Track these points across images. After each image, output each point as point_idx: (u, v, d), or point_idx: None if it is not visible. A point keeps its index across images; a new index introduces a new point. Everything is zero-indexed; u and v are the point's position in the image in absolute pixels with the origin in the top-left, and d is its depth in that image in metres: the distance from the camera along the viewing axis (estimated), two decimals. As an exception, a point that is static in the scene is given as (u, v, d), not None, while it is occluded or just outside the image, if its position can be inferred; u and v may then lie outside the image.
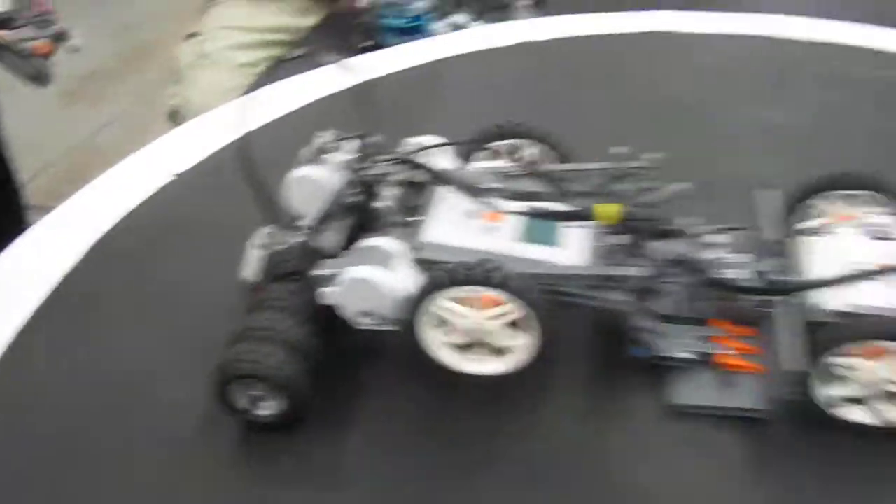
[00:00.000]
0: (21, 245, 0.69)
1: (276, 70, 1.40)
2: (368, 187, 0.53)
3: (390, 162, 0.54)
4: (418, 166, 0.54)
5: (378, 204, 0.52)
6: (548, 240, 0.52)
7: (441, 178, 0.54)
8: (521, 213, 0.52)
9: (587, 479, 0.49)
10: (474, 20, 1.30)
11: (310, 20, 1.55)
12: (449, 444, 0.50)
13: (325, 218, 0.52)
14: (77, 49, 0.98)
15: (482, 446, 0.50)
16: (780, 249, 0.55)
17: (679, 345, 0.53)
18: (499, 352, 0.50)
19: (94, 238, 0.68)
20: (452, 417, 0.51)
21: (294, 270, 0.53)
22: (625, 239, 0.51)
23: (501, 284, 0.47)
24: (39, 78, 1.06)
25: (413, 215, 0.53)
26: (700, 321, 0.54)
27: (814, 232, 0.56)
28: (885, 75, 0.87)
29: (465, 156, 0.60)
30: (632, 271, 0.49)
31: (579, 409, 0.52)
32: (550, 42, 0.99)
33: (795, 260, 0.53)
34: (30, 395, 0.55)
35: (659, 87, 0.88)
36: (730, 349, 0.53)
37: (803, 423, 0.50)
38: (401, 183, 0.54)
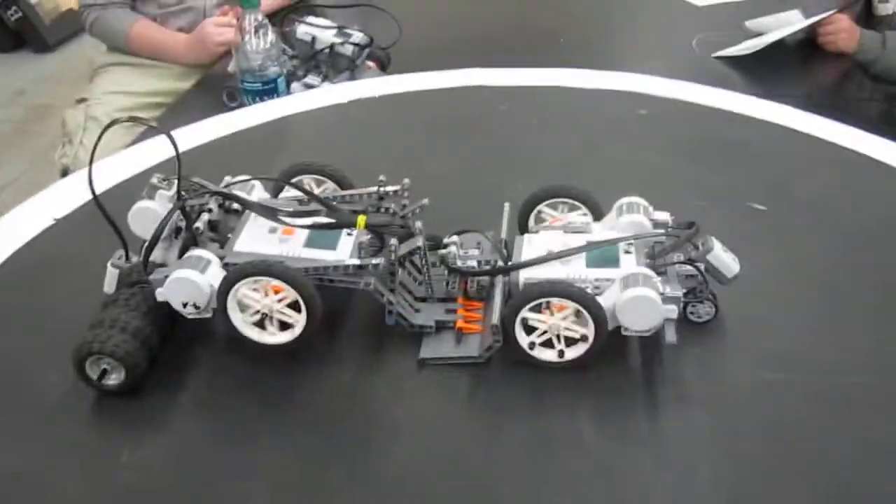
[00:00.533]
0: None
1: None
2: (190, 215, 0.71)
3: (208, 194, 0.73)
4: (229, 197, 0.72)
5: (196, 225, 0.70)
6: (327, 245, 0.71)
7: (248, 205, 0.73)
8: (306, 227, 0.71)
9: (359, 416, 0.67)
10: (323, 81, 1.48)
11: (187, 84, 1.72)
12: (257, 399, 0.68)
13: (157, 239, 0.69)
14: None
15: (281, 397, 0.68)
16: (505, 244, 0.75)
17: (428, 317, 0.72)
18: (286, 327, 0.69)
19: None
20: (258, 379, 0.70)
21: (138, 280, 0.70)
22: (373, 239, 0.70)
23: (277, 274, 0.65)
24: None
25: (228, 234, 0.72)
26: (445, 300, 0.74)
27: (531, 231, 0.77)
28: (641, 114, 1.11)
29: (278, 190, 0.80)
30: (374, 261, 0.68)
31: (353, 365, 0.71)
32: (380, 98, 1.21)
33: (512, 251, 0.73)
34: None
35: (462, 129, 1.10)
36: (463, 317, 0.72)
37: (510, 363, 0.70)
38: (219, 209, 0.72)
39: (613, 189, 0.78)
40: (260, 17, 1.40)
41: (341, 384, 0.70)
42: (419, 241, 0.70)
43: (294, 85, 1.46)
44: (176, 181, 0.70)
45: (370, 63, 1.54)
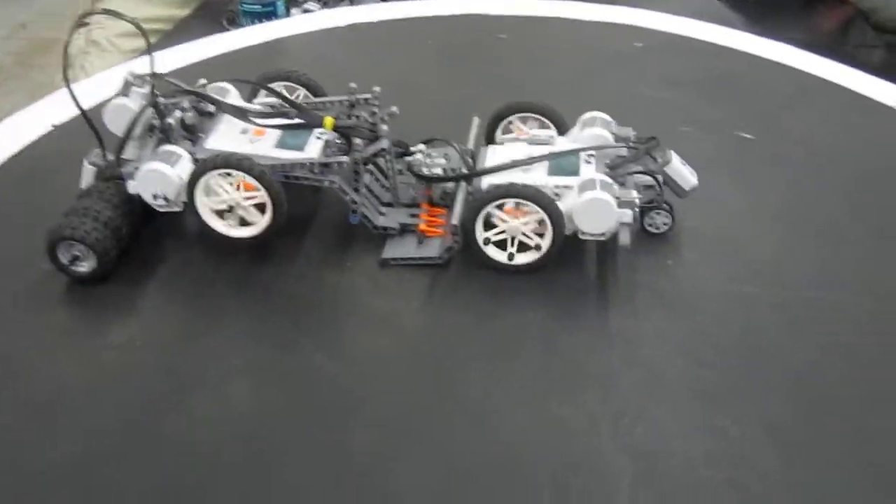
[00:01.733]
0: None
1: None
2: (163, 112, 0.73)
3: (183, 94, 0.75)
4: (201, 96, 0.74)
5: (168, 121, 0.72)
6: (296, 146, 0.73)
7: (219, 104, 0.75)
8: (274, 127, 0.73)
9: (323, 304, 0.70)
10: (322, 7, 1.50)
11: (186, 10, 1.73)
12: (225, 286, 0.71)
13: (130, 133, 0.71)
14: None
15: (247, 285, 0.71)
16: (471, 154, 0.77)
17: (393, 220, 0.75)
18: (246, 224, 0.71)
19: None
20: (218, 268, 0.73)
21: (112, 175, 0.73)
22: (341, 143, 0.73)
23: (244, 168, 0.68)
24: None
25: (202, 134, 0.74)
26: (410, 205, 0.76)
27: (496, 143, 0.79)
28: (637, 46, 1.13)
29: (252, 96, 0.82)
30: (339, 160, 0.70)
31: (319, 262, 0.74)
32: (378, 23, 1.22)
33: (478, 161, 0.75)
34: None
35: (457, 56, 1.12)
36: (426, 221, 0.75)
37: (471, 266, 0.73)
38: (192, 109, 0.75)
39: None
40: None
41: (305, 275, 0.72)
42: (384, 144, 0.73)
43: (293, 11, 1.48)
44: (156, 80, 0.72)
45: None
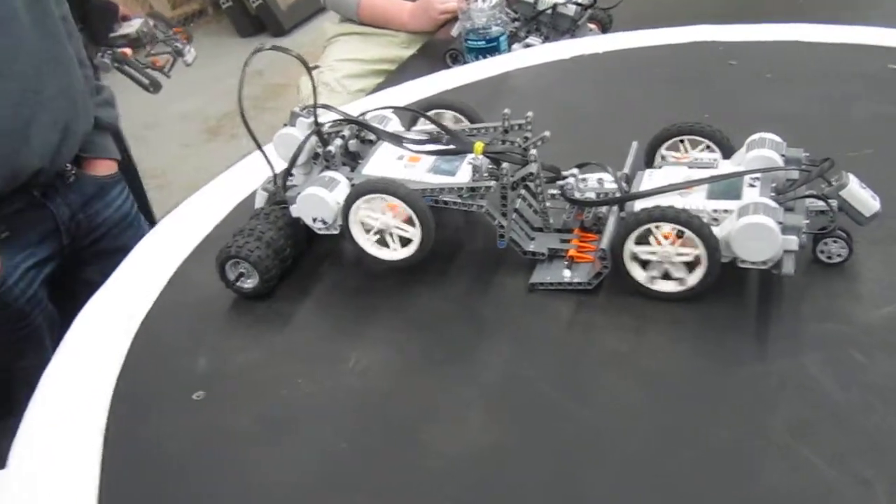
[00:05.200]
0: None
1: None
2: (326, 140, 0.77)
3: (345, 122, 0.78)
4: (360, 124, 0.78)
5: (329, 148, 0.76)
6: (448, 172, 0.74)
7: (376, 131, 0.78)
8: (425, 153, 0.75)
9: (464, 327, 0.70)
10: (544, 41, 1.50)
11: (410, 51, 1.81)
12: (369, 305, 0.74)
13: (295, 160, 0.76)
14: (189, 63, 1.25)
15: (394, 304, 0.73)
16: (627, 178, 0.74)
17: (542, 244, 0.74)
18: (406, 242, 0.73)
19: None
20: (373, 290, 0.75)
21: (279, 200, 0.78)
22: (492, 168, 0.73)
23: (391, 191, 0.69)
24: (153, 86, 1.37)
25: (361, 159, 0.78)
26: (561, 230, 0.75)
27: (655, 166, 0.76)
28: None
29: (412, 124, 0.84)
30: (486, 184, 0.70)
31: (464, 285, 0.74)
32: (604, 54, 1.20)
33: (633, 185, 0.73)
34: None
35: (684, 84, 1.08)
36: (576, 247, 0.73)
37: (619, 292, 0.70)
38: (352, 137, 0.78)
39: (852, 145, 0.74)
40: (487, -22, 1.45)
41: (451, 298, 0.73)
42: (532, 168, 0.72)
43: (514, 46, 1.50)
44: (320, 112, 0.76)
45: (591, 25, 1.54)
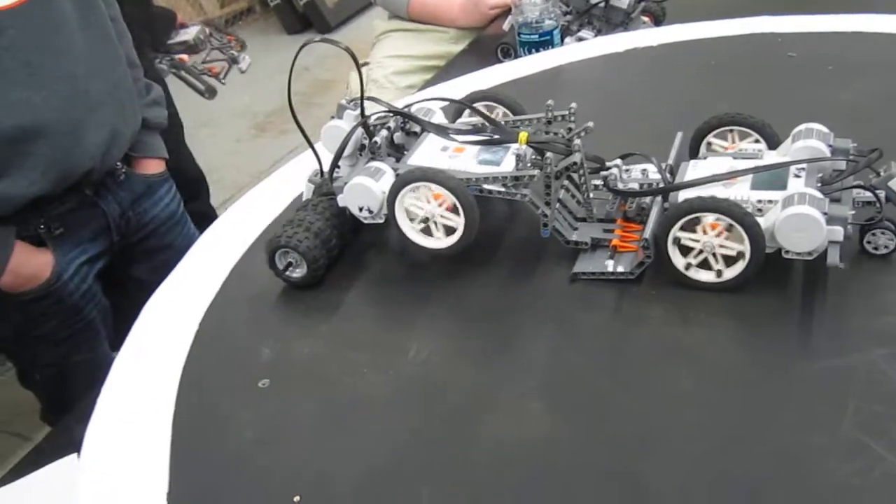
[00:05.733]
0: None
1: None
2: (371, 132, 0.78)
3: (391, 114, 0.80)
4: (406, 115, 0.79)
5: (375, 139, 0.77)
6: (493, 162, 0.75)
7: (421, 122, 0.79)
8: (470, 143, 0.76)
9: (507, 316, 0.71)
10: (596, 35, 1.49)
11: (460, 47, 1.82)
12: (414, 293, 0.75)
13: (342, 151, 0.77)
14: (243, 70, 1.28)
15: (438, 293, 0.74)
16: (671, 169, 0.74)
17: (584, 234, 0.74)
18: (450, 231, 0.74)
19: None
20: (421, 278, 0.77)
21: (327, 191, 0.79)
22: (536, 158, 0.73)
23: (435, 179, 0.71)
24: (209, 92, 1.40)
25: (406, 150, 0.79)
26: (604, 220, 0.75)
27: (700, 157, 0.76)
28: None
29: (456, 116, 0.85)
30: (530, 173, 0.71)
31: (506, 274, 0.75)
32: (659, 46, 1.19)
33: (677, 176, 0.73)
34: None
35: (742, 75, 1.07)
36: (619, 237, 0.73)
37: (662, 282, 0.70)
38: (397, 129, 0.79)
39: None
40: (540, -29, 1.44)
41: (496, 287, 0.74)
42: (576, 158, 0.72)
43: (567, 39, 1.49)
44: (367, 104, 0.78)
45: (644, 17, 1.52)
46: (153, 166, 1.25)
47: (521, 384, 0.64)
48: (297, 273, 0.76)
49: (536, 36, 1.45)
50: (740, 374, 0.62)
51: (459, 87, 1.13)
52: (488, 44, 1.63)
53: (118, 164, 1.16)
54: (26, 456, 0.82)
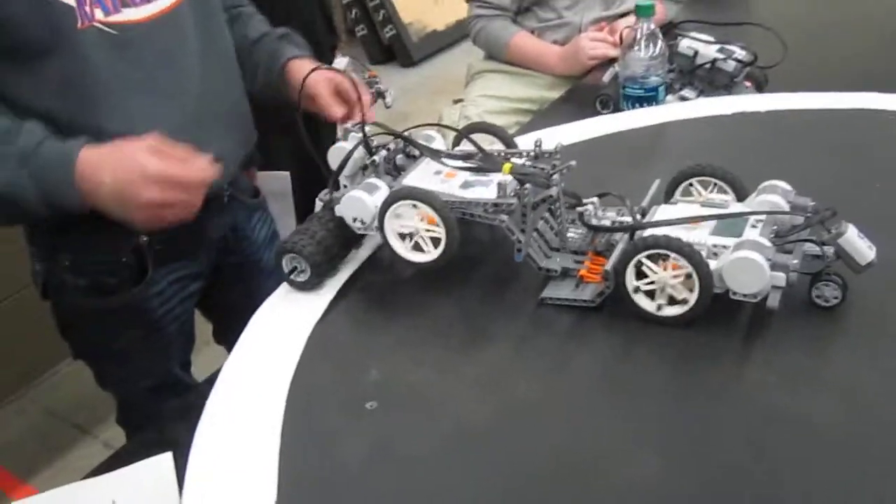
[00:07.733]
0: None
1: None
2: (371, 151, 0.87)
3: (392, 137, 0.89)
4: (404, 139, 0.88)
5: (374, 157, 0.86)
6: (479, 185, 0.82)
7: (416, 145, 0.87)
8: (458, 168, 0.84)
9: (470, 328, 0.78)
10: (698, 96, 1.46)
11: (555, 93, 1.85)
12: (392, 302, 0.83)
13: (343, 166, 0.86)
14: (389, 105, 1.31)
15: (413, 302, 0.82)
16: (643, 211, 0.80)
17: (556, 263, 0.80)
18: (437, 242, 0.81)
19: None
20: (397, 290, 0.84)
21: (330, 204, 0.88)
22: (519, 189, 0.79)
23: (422, 199, 0.78)
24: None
25: (405, 172, 0.87)
26: (576, 252, 0.81)
27: (670, 203, 0.81)
28: None
29: (457, 144, 0.93)
30: (508, 201, 0.78)
31: (478, 291, 0.82)
32: (766, 113, 1.19)
33: (647, 218, 0.78)
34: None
35: (848, 151, 1.04)
36: (587, 268, 0.79)
37: (616, 308, 0.76)
38: (398, 152, 0.88)
39: None
40: (653, 27, 1.42)
41: (464, 302, 0.81)
42: (553, 192, 0.79)
43: (668, 97, 1.49)
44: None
45: (747, 82, 1.49)
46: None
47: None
48: (301, 277, 0.85)
49: (642, 91, 1.43)
50: (667, 397, 0.67)
51: (560, 135, 1.12)
52: (585, 93, 1.62)
53: (225, 185, 1.16)
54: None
